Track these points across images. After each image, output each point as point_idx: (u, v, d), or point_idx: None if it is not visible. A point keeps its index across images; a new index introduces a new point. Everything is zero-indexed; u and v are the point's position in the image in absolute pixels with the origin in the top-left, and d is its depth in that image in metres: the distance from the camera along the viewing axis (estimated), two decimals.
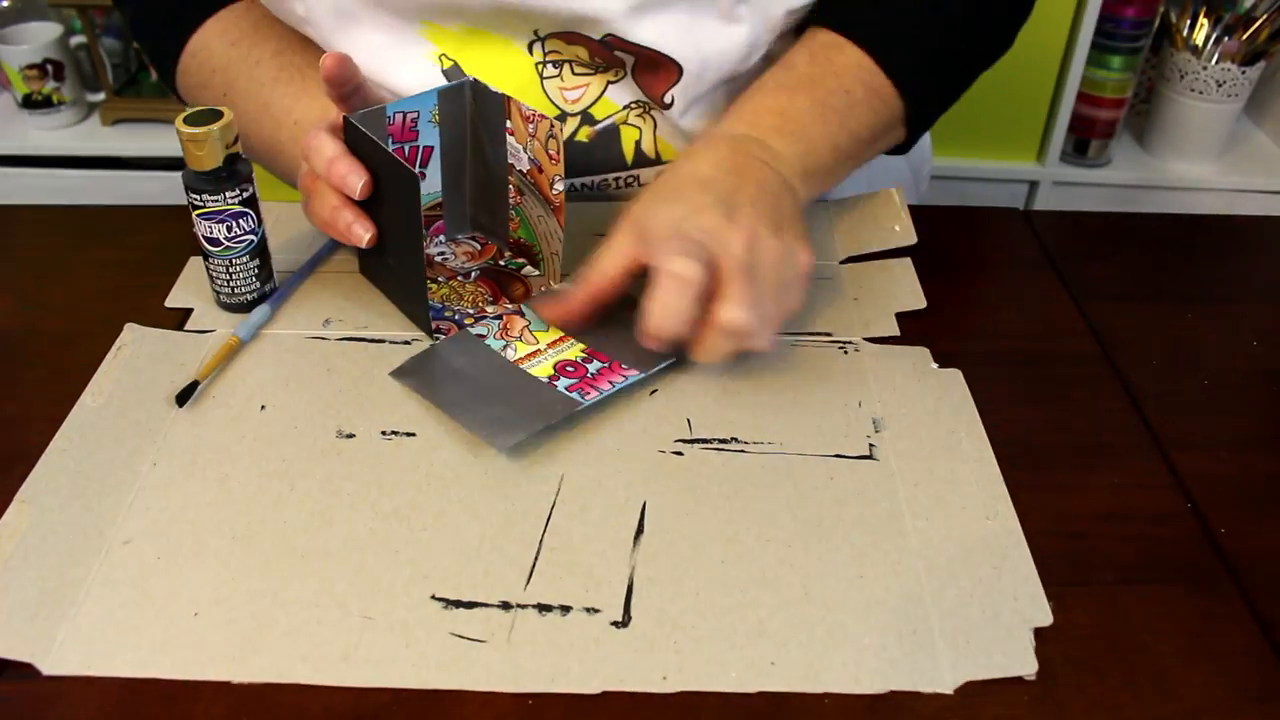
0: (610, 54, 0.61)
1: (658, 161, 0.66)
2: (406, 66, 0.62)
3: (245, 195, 0.55)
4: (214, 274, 0.57)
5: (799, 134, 0.58)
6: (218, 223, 0.55)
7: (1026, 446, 0.52)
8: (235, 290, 0.58)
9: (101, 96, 1.52)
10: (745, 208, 0.52)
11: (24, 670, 0.41)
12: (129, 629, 0.42)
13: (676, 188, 0.53)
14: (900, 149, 0.66)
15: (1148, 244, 0.69)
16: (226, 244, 0.56)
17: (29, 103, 1.48)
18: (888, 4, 0.61)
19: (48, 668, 0.41)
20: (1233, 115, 1.45)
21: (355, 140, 0.54)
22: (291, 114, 0.63)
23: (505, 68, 0.62)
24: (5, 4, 1.53)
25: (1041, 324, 0.61)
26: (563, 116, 0.64)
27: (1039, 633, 0.43)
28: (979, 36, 0.64)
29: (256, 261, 0.57)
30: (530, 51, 0.62)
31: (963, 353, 0.57)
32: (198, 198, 0.54)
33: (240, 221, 0.55)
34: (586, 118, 0.64)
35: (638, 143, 0.65)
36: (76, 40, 1.49)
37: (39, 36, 1.47)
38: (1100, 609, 0.44)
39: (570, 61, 0.62)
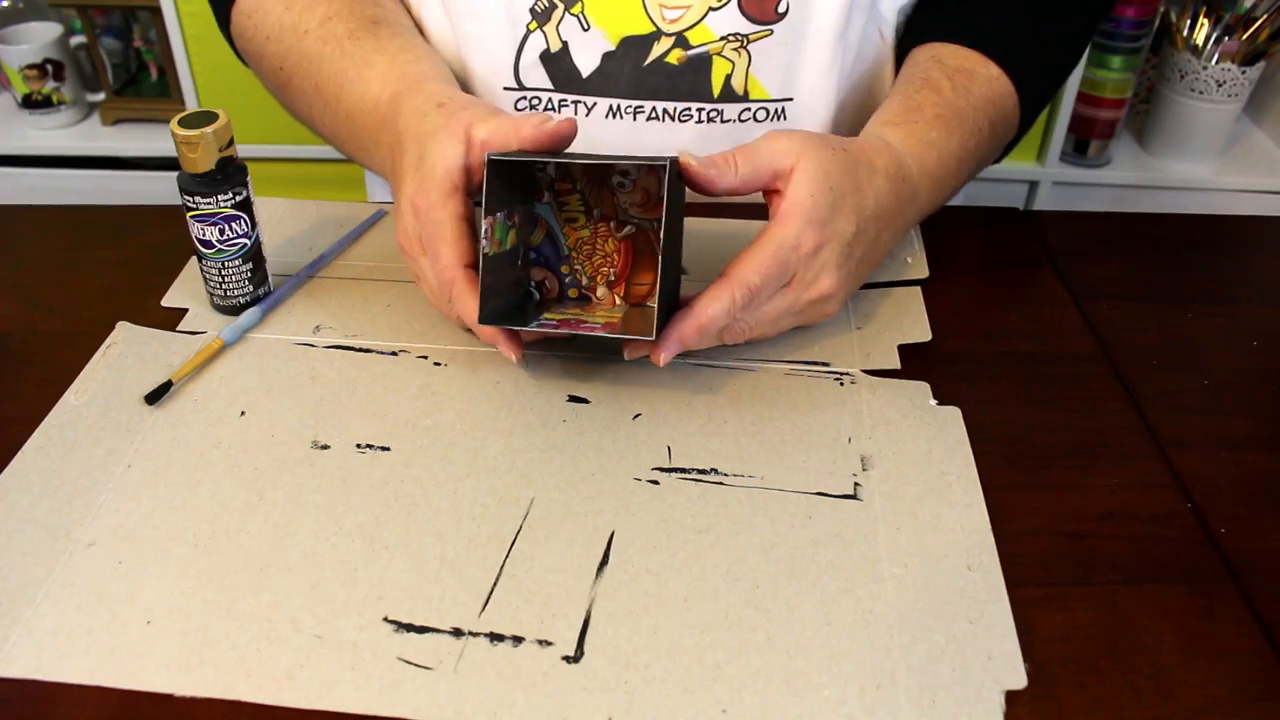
0: None
1: (745, 99, 0.65)
2: None
3: (239, 199, 0.55)
4: (207, 276, 0.57)
5: (938, 175, 0.60)
6: (210, 225, 0.55)
7: (1026, 446, 0.52)
8: (227, 293, 0.57)
9: (101, 96, 1.53)
10: (854, 262, 0.55)
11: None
12: (80, 634, 0.42)
13: (838, 213, 0.53)
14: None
15: (1148, 244, 0.69)
16: (219, 246, 0.56)
17: (29, 103, 1.49)
18: (1015, 20, 0.64)
19: None
20: (1233, 115, 1.43)
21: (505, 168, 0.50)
22: (340, 104, 0.60)
23: None
24: (5, 4, 1.54)
25: (1041, 324, 0.61)
26: (657, 35, 0.62)
27: (1039, 632, 0.43)
28: (1083, 45, 0.69)
29: (249, 265, 0.57)
30: None
31: (962, 352, 0.57)
32: (191, 200, 0.54)
33: (233, 225, 0.55)
34: (681, 40, 0.63)
35: (728, 77, 0.64)
36: (76, 40, 1.49)
37: (39, 36, 1.47)
38: (1100, 609, 0.44)
39: None
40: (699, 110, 0.66)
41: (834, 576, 0.45)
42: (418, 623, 0.43)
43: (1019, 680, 0.41)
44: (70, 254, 0.65)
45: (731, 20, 0.62)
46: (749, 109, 0.66)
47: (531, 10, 0.62)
